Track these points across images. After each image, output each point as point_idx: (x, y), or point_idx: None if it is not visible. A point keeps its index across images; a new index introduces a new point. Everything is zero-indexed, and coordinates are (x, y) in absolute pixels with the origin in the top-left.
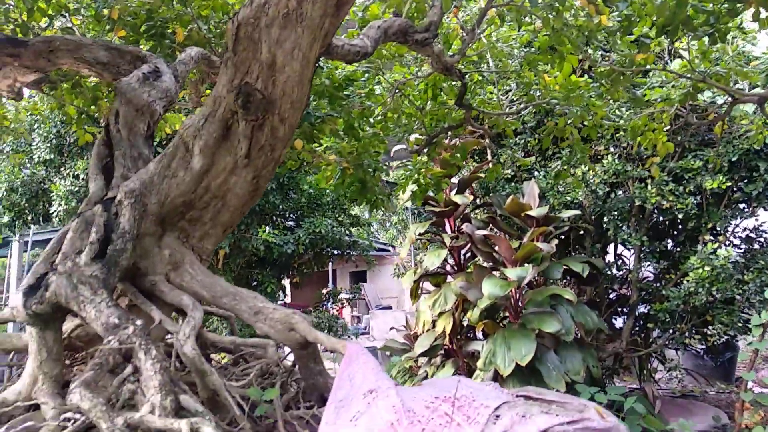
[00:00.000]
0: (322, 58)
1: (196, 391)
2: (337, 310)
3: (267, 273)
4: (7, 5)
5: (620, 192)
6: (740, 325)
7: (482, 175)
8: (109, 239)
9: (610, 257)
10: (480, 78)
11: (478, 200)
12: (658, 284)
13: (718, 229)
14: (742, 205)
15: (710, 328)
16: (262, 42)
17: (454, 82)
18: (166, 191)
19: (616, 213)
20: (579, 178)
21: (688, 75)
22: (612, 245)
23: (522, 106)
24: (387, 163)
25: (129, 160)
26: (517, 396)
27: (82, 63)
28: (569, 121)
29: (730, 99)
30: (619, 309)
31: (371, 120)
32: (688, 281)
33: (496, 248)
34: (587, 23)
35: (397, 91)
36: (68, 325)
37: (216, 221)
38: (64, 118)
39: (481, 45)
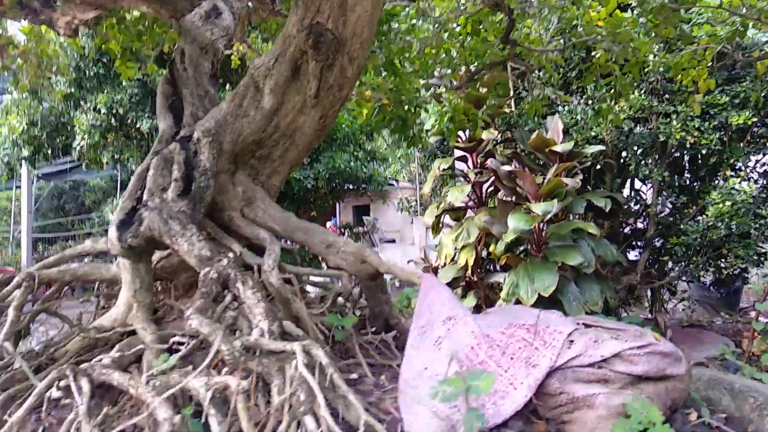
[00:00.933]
0: None
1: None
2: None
3: (286, 207)
4: None
5: (643, 127)
6: (755, 258)
7: (506, 110)
8: (190, 176)
9: (626, 191)
10: (518, 13)
11: (500, 135)
12: (675, 218)
13: (739, 164)
14: (764, 141)
15: (725, 260)
16: None
17: (495, 18)
18: (239, 130)
19: (637, 148)
20: (605, 112)
21: (737, 12)
22: (629, 179)
23: (563, 42)
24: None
25: (196, 99)
26: (567, 316)
27: (142, 1)
28: (612, 59)
29: None
30: (634, 242)
31: (410, 56)
32: (707, 216)
33: (521, 183)
34: None
35: (437, 26)
36: (152, 257)
37: (284, 159)
38: (82, 51)
39: None
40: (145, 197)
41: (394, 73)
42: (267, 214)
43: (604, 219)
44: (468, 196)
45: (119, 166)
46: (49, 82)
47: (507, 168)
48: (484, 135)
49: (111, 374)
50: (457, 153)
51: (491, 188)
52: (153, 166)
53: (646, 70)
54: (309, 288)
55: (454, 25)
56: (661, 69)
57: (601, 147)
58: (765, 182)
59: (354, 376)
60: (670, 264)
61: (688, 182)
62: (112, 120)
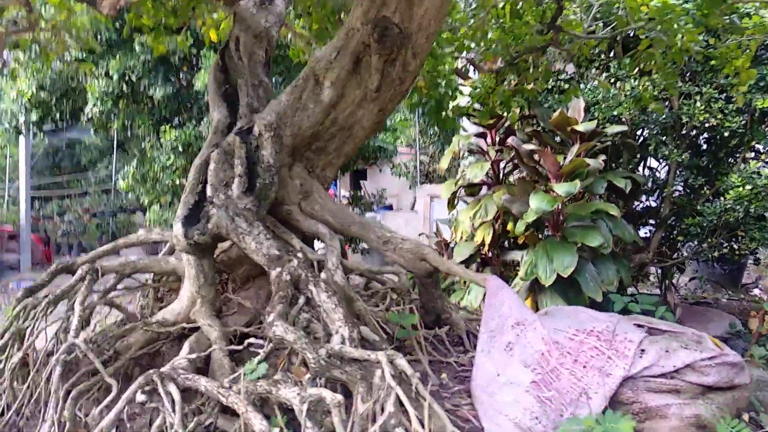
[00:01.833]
0: None
1: None
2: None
3: None
4: None
5: (666, 107)
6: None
7: (528, 87)
8: (252, 171)
9: (640, 170)
10: None
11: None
12: (691, 199)
13: (760, 147)
14: None
15: (739, 242)
16: None
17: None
18: (298, 123)
19: (657, 128)
20: (628, 92)
21: None
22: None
23: (604, 28)
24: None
25: (251, 88)
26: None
27: None
28: (655, 46)
29: None
30: (645, 220)
31: (448, 37)
32: (724, 198)
33: (542, 162)
34: None
35: (476, 6)
36: None
37: (340, 152)
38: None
39: None
40: (209, 193)
41: (430, 55)
42: (324, 208)
43: (621, 198)
44: (486, 173)
45: (129, 132)
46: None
47: (529, 146)
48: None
49: (198, 380)
50: (475, 129)
51: (509, 166)
52: (213, 160)
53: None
54: (354, 277)
55: (494, 5)
56: (701, 57)
57: (623, 127)
58: None
59: (417, 374)
60: (683, 244)
61: (705, 164)
62: (124, 87)
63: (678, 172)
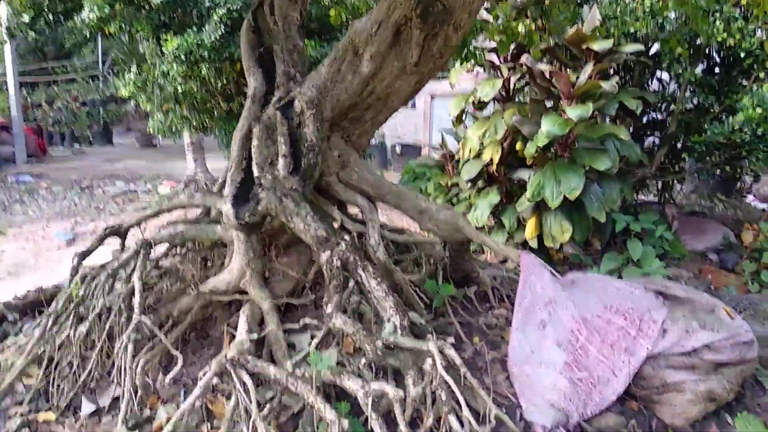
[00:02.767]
0: None
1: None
2: None
3: None
4: None
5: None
6: None
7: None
8: (296, 149)
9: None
10: None
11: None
12: (699, 117)
13: None
14: None
15: (741, 161)
16: None
17: None
18: (337, 96)
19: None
20: (647, 8)
21: None
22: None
23: None
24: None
25: (287, 54)
26: (646, 288)
27: None
28: None
29: None
30: (650, 132)
31: None
32: (733, 117)
33: (555, 83)
34: None
35: None
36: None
37: (375, 120)
38: None
39: None
40: (255, 172)
41: None
42: (361, 178)
43: (629, 116)
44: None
45: (127, 37)
46: None
47: (543, 66)
48: (519, 27)
49: (267, 368)
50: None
51: (521, 81)
52: (256, 136)
53: None
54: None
55: None
56: None
57: (640, 46)
58: None
59: (451, 340)
60: (688, 160)
61: (717, 82)
62: None
63: (689, 89)
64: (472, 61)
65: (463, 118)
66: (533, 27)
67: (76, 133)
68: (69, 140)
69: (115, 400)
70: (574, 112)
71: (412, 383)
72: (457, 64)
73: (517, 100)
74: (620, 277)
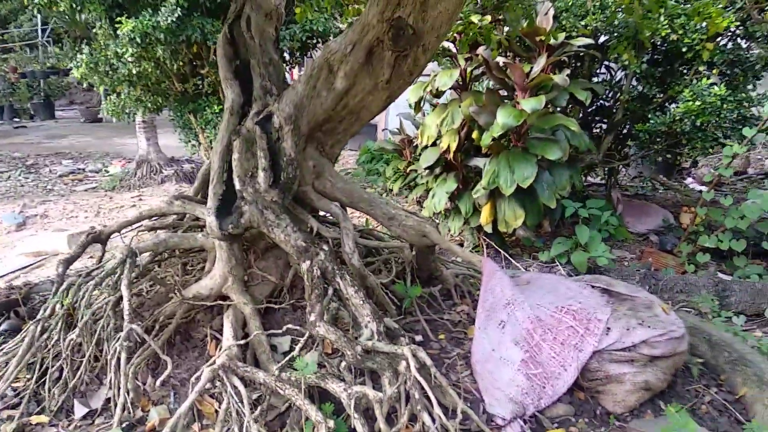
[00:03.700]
0: None
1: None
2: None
3: None
4: None
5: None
6: (710, 150)
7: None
8: (275, 163)
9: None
10: None
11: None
12: (643, 106)
13: (714, 61)
14: (741, 41)
15: (682, 149)
16: None
17: None
18: (313, 111)
19: (620, 39)
20: (597, 2)
21: None
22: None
23: None
24: None
25: (263, 68)
26: (593, 286)
27: None
28: None
29: None
30: (597, 120)
31: None
32: (676, 109)
33: (509, 74)
34: None
35: None
36: None
37: (347, 132)
38: None
39: None
40: (237, 186)
41: None
42: (334, 186)
43: (579, 104)
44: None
45: (78, 17)
46: None
47: (499, 59)
48: (475, 18)
49: (256, 373)
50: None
51: (477, 70)
52: (237, 150)
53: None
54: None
55: None
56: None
57: (591, 41)
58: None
59: (419, 338)
60: (632, 148)
61: (660, 74)
62: None
63: (634, 79)
64: None
65: (421, 104)
66: (490, 23)
67: (15, 106)
68: (8, 114)
69: (106, 401)
70: (527, 104)
71: (388, 383)
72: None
73: (473, 88)
74: (569, 260)
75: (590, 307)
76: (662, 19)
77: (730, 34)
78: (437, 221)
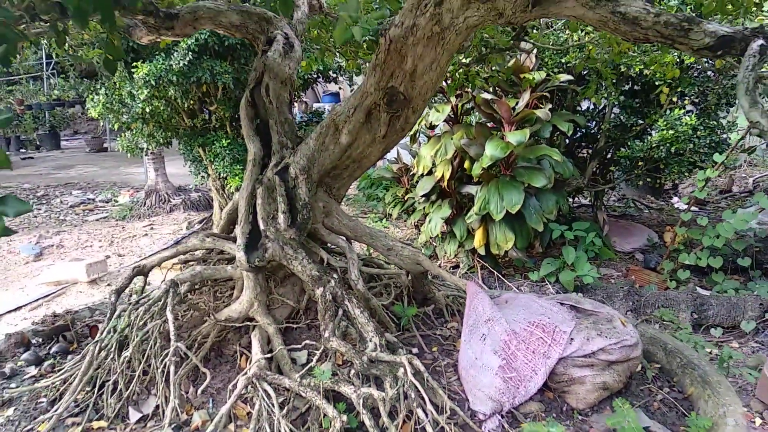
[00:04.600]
0: None
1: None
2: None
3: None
4: None
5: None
6: (687, 174)
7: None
8: (292, 206)
9: (584, 104)
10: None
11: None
12: (623, 134)
13: (685, 92)
14: (710, 73)
15: (662, 173)
16: (407, 56)
17: None
18: (322, 162)
19: (598, 74)
20: (576, 41)
21: None
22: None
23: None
24: None
25: (280, 126)
26: (562, 304)
27: (220, 27)
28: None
29: None
30: (583, 145)
31: None
32: (651, 138)
33: (497, 109)
34: None
35: None
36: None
37: (351, 177)
38: None
39: None
40: (261, 226)
41: None
42: (341, 223)
43: (563, 134)
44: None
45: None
46: None
47: (486, 96)
48: (464, 58)
49: (282, 379)
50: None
51: (467, 105)
52: (260, 196)
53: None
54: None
55: None
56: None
57: (569, 77)
58: (704, 106)
59: (415, 350)
60: (616, 172)
61: (637, 105)
62: None
63: (614, 110)
64: None
65: (417, 136)
66: (475, 73)
67: (21, 137)
68: (15, 145)
69: (155, 408)
70: (513, 137)
71: (389, 386)
72: None
73: (465, 120)
74: (557, 279)
75: (557, 321)
76: (635, 55)
77: (699, 66)
78: (435, 244)
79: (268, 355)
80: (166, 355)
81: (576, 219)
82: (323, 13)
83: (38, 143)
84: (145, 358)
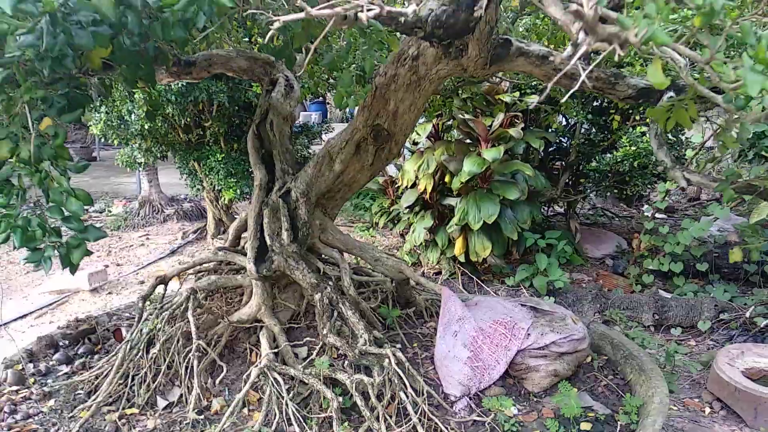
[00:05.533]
0: None
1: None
2: None
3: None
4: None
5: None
6: (650, 186)
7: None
8: (294, 225)
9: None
10: None
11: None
12: (592, 149)
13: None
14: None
15: (627, 185)
16: (390, 99)
17: None
18: (318, 186)
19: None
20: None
21: None
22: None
23: None
24: None
25: (282, 155)
26: (522, 305)
27: (230, 71)
28: None
29: None
30: (557, 158)
31: None
32: (616, 153)
33: (474, 127)
34: None
35: None
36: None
37: (343, 198)
38: None
39: None
40: (268, 241)
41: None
42: (335, 238)
43: (536, 150)
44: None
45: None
46: None
47: (465, 116)
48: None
49: (289, 369)
50: None
51: (448, 123)
52: (266, 216)
53: None
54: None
55: None
56: None
57: (539, 98)
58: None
59: (399, 346)
60: (586, 184)
61: (604, 122)
62: None
63: (583, 126)
64: None
65: (402, 151)
66: (452, 99)
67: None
68: None
69: (179, 397)
70: (489, 154)
71: (377, 374)
72: None
73: (446, 137)
74: (531, 284)
75: (517, 319)
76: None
77: None
78: (419, 252)
79: (275, 351)
80: (188, 351)
81: (551, 227)
82: (316, 53)
83: None
84: (169, 354)
